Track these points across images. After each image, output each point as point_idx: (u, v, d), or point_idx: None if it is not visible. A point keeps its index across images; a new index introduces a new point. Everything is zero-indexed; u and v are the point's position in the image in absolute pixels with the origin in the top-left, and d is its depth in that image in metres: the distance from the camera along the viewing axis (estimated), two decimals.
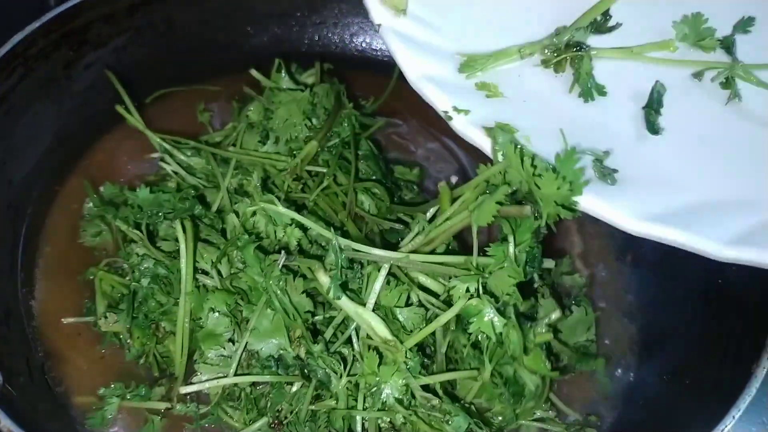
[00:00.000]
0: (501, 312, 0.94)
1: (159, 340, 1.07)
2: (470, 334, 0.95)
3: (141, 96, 1.42)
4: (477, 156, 1.40)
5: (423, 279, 1.03)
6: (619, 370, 1.19)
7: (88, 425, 1.02)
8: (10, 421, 0.79)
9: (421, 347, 1.03)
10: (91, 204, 1.23)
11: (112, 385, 1.04)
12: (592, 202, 0.83)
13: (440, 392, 1.01)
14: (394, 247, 1.07)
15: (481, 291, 0.94)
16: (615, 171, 0.87)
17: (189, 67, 1.47)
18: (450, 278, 0.98)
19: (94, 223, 1.20)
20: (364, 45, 1.61)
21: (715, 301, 1.13)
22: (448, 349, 1.05)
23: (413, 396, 0.98)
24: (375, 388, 0.96)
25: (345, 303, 0.97)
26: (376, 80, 1.52)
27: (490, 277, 0.95)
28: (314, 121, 1.25)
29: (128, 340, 1.07)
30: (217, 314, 1.02)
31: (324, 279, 0.97)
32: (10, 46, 1.17)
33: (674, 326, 1.19)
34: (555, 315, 1.07)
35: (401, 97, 1.51)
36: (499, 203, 0.91)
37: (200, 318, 1.03)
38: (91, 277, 1.13)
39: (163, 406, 1.03)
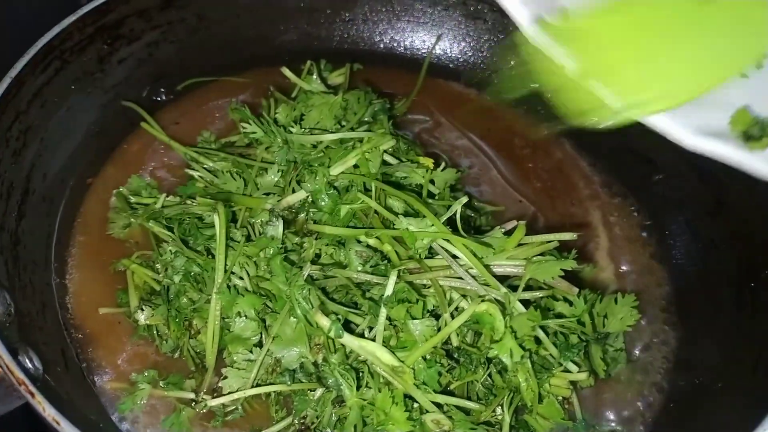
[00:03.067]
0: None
1: (192, 335, 1.08)
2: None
3: (172, 91, 1.44)
4: (505, 151, 1.43)
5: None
6: (650, 375, 1.17)
7: (119, 410, 1.03)
8: (54, 409, 0.81)
9: (448, 353, 1.02)
10: (118, 196, 1.25)
11: (146, 373, 1.06)
12: None
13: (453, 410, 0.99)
14: None
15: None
16: None
17: (220, 61, 1.48)
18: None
19: (123, 216, 1.21)
20: (392, 42, 1.61)
21: (749, 305, 1.11)
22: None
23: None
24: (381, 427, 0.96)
25: (348, 340, 0.98)
26: (404, 77, 1.53)
27: (513, 318, 0.98)
28: (344, 124, 1.25)
29: (165, 332, 1.08)
30: (244, 318, 1.02)
31: (323, 321, 0.98)
32: (47, 39, 1.18)
33: (707, 330, 1.17)
34: (581, 376, 1.04)
35: (429, 94, 1.52)
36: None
37: (230, 317, 1.03)
38: (122, 269, 1.15)
39: (191, 396, 1.04)
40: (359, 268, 1.05)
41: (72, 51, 1.25)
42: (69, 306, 1.13)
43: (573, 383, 1.06)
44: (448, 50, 1.60)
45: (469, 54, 1.59)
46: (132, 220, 1.20)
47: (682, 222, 1.31)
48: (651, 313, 1.23)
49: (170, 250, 1.09)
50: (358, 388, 0.98)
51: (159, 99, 1.43)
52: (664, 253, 1.31)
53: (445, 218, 1.07)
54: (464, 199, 1.07)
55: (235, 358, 1.03)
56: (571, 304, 1.06)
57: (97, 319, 1.11)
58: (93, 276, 1.16)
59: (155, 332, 1.09)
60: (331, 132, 1.20)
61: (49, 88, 1.21)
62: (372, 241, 1.06)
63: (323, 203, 1.09)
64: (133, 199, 1.23)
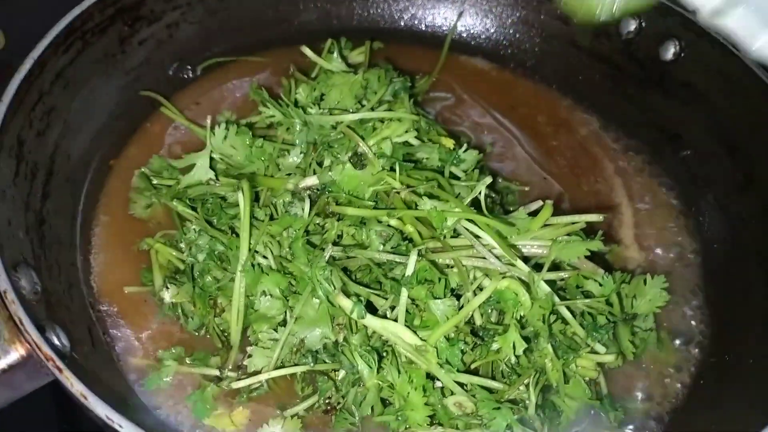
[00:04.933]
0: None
1: (216, 313, 1.08)
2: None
3: (192, 71, 1.44)
4: (529, 128, 1.41)
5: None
6: (679, 356, 1.15)
7: (145, 386, 1.03)
8: (82, 385, 0.81)
9: (472, 331, 1.01)
10: (139, 175, 1.25)
11: (172, 350, 1.06)
12: None
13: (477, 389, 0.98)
14: None
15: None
16: None
17: (240, 42, 1.47)
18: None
19: (144, 195, 1.22)
20: (413, 19, 1.59)
21: None
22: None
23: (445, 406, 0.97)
24: (401, 412, 0.95)
25: (369, 321, 0.97)
26: (425, 55, 1.51)
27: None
28: (365, 103, 1.24)
29: (191, 310, 1.08)
30: (269, 297, 1.02)
31: (345, 303, 0.97)
32: (69, 20, 1.18)
33: (737, 309, 1.15)
34: (608, 358, 1.03)
35: (451, 71, 1.50)
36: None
37: (254, 295, 1.03)
38: (146, 248, 1.15)
39: (216, 372, 1.04)
40: (380, 248, 1.04)
41: (93, 32, 1.25)
42: (94, 285, 1.13)
43: (600, 364, 1.04)
44: (470, 27, 1.58)
45: (492, 30, 1.56)
46: (154, 200, 1.20)
47: (711, 199, 1.28)
48: (679, 293, 1.21)
49: (194, 229, 1.09)
50: (379, 369, 0.97)
51: (180, 79, 1.43)
52: (693, 231, 1.29)
53: (469, 199, 1.05)
54: (488, 179, 1.06)
55: (260, 337, 1.03)
56: (600, 284, 1.04)
57: (122, 297, 1.12)
58: (117, 255, 1.16)
59: (180, 311, 1.09)
60: (351, 112, 1.19)
61: (72, 69, 1.21)
62: (394, 222, 1.06)
63: (345, 184, 1.08)
64: (155, 180, 1.23)
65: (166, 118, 1.34)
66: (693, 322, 1.19)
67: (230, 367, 1.05)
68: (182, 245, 1.11)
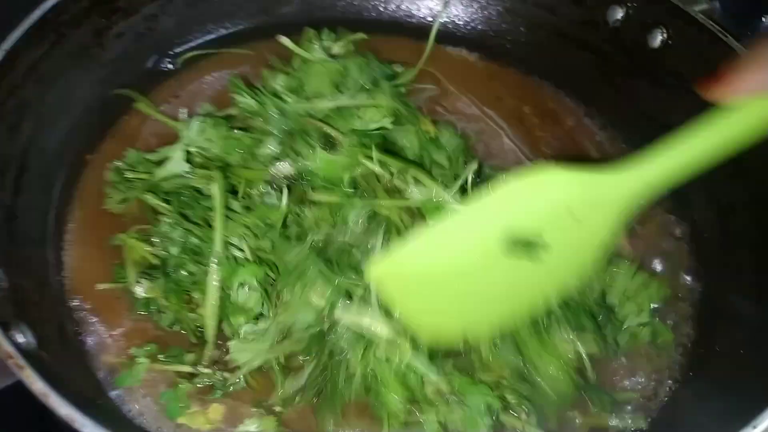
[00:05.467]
0: None
1: (191, 308, 1.06)
2: None
3: (171, 64, 1.41)
4: (515, 119, 1.39)
5: None
6: (669, 345, 1.13)
7: (116, 383, 1.01)
8: (43, 383, 0.79)
9: None
10: (113, 169, 1.21)
11: (146, 347, 1.04)
12: None
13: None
14: None
15: None
16: None
17: (220, 34, 1.45)
18: None
19: (119, 190, 1.18)
20: (397, 10, 1.56)
21: None
22: None
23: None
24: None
25: (342, 316, 0.96)
26: (410, 46, 1.48)
27: None
28: (344, 93, 1.21)
29: (165, 305, 1.06)
30: (247, 288, 1.00)
31: (317, 301, 0.96)
32: (41, 12, 1.15)
33: (728, 297, 1.13)
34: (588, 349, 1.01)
35: (436, 62, 1.47)
36: None
37: (230, 288, 1.01)
38: (119, 243, 1.12)
39: (189, 369, 1.01)
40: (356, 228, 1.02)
41: (68, 24, 1.22)
42: (66, 282, 1.11)
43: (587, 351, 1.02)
44: (456, 17, 1.55)
45: (478, 21, 1.53)
46: (128, 194, 1.17)
47: (700, 187, 1.24)
48: (670, 283, 1.18)
49: (168, 222, 1.06)
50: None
51: (159, 72, 1.40)
52: (681, 220, 1.26)
53: (457, 185, 1.03)
54: (475, 164, 1.04)
55: (239, 330, 1.01)
56: None
57: (95, 294, 1.09)
58: (91, 251, 1.14)
59: (154, 307, 1.07)
60: (328, 100, 1.16)
61: (45, 62, 1.18)
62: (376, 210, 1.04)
63: (320, 170, 1.06)
64: (130, 175, 1.20)
65: (144, 112, 1.32)
66: (682, 312, 1.16)
67: (205, 363, 1.02)
68: (155, 239, 1.08)
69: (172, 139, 1.25)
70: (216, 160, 1.16)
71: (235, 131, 1.17)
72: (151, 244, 1.09)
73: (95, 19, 1.28)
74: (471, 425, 0.94)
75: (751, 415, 0.86)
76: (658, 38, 1.29)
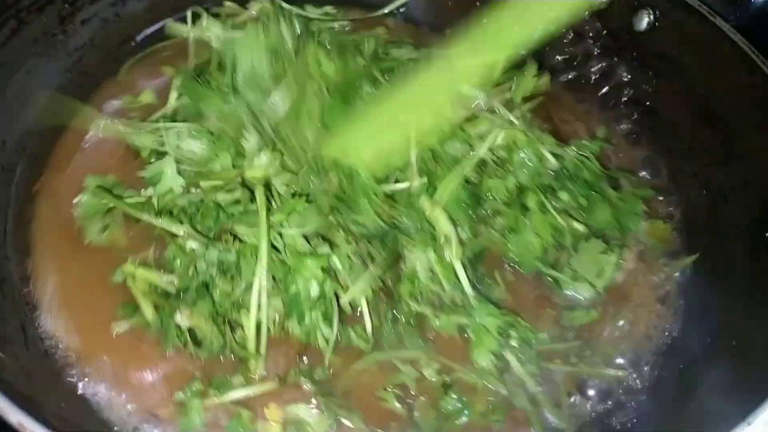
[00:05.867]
0: None
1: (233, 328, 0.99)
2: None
3: (140, 51, 1.35)
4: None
5: None
6: (660, 331, 1.11)
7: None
8: None
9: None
10: (85, 198, 1.09)
11: (193, 386, 0.96)
12: None
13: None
14: None
15: None
16: None
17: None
18: None
19: (95, 219, 1.08)
20: None
21: (764, 256, 1.03)
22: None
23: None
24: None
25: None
26: None
27: None
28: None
29: (207, 330, 0.96)
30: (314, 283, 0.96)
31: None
32: None
33: (719, 284, 1.10)
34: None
35: None
36: None
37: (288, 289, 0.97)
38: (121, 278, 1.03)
39: (246, 393, 0.96)
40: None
41: (29, 10, 1.17)
42: (30, 280, 1.05)
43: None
44: None
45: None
46: (107, 220, 1.08)
47: (690, 173, 1.22)
48: (661, 268, 1.16)
49: (191, 248, 0.99)
50: None
51: (127, 59, 1.33)
52: (672, 207, 1.23)
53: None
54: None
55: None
56: None
57: (59, 295, 1.03)
58: (54, 248, 1.08)
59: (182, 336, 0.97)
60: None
61: (5, 50, 1.13)
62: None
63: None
64: (104, 200, 1.08)
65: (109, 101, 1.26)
66: (673, 297, 1.14)
67: (257, 377, 0.97)
68: (177, 264, 1.00)
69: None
70: (202, 165, 1.10)
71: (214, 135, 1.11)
72: (168, 270, 1.01)
73: (59, 4, 1.22)
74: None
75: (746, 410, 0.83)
76: (644, 20, 1.26)
